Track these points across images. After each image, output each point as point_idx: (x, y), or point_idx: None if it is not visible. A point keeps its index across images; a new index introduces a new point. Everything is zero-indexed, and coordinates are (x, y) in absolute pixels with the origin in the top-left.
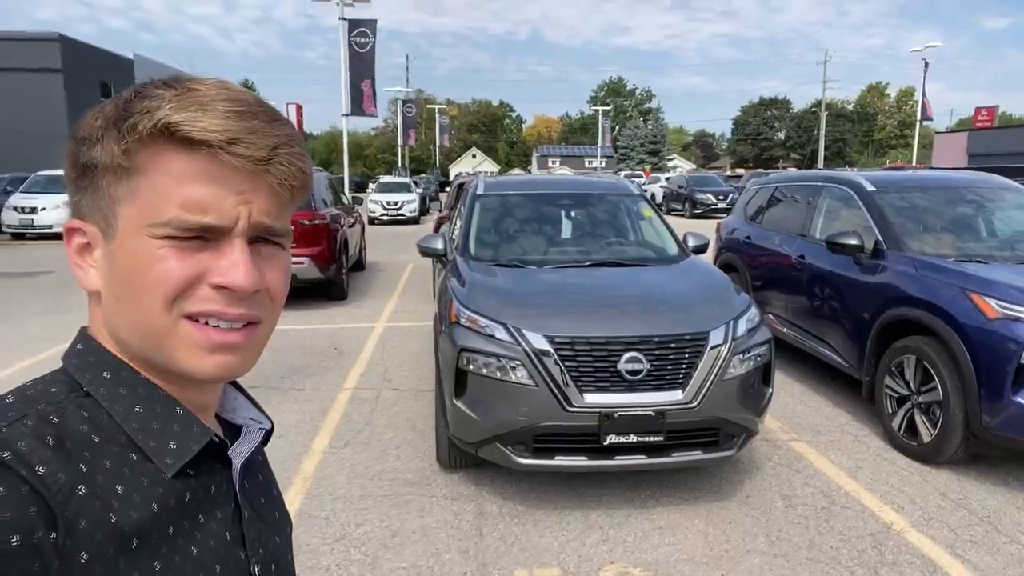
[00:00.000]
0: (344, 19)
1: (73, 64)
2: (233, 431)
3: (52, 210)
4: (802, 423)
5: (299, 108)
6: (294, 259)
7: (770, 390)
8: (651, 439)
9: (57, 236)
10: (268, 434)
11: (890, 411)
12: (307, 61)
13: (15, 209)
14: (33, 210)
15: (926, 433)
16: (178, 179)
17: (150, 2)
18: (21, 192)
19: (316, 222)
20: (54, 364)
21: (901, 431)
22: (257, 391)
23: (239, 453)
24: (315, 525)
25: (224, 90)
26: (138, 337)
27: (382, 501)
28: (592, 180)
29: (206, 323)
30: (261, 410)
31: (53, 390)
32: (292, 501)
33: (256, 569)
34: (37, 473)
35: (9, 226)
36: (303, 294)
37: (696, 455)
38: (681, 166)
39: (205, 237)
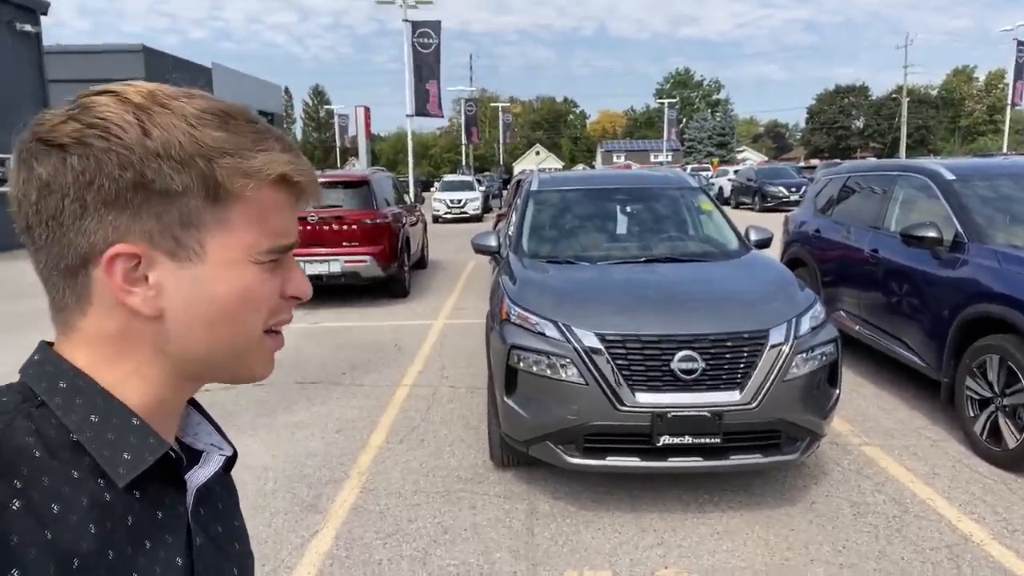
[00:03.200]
0: (408, 21)
1: (155, 73)
2: (194, 457)
3: None
4: (874, 426)
5: (367, 110)
6: (357, 257)
7: (837, 391)
8: (707, 441)
9: None
10: (230, 461)
11: (971, 414)
12: (376, 64)
13: None
14: None
15: (1011, 438)
16: (272, 210)
17: (230, 12)
18: None
19: (378, 221)
20: None
21: (984, 436)
22: (319, 386)
23: (196, 477)
24: (369, 519)
25: (271, 130)
26: (226, 354)
27: (435, 497)
28: (648, 174)
29: (277, 332)
30: (224, 436)
31: (4, 399)
32: (348, 495)
33: None
34: None
35: None
36: (366, 291)
37: (755, 458)
38: (751, 158)
39: (280, 256)
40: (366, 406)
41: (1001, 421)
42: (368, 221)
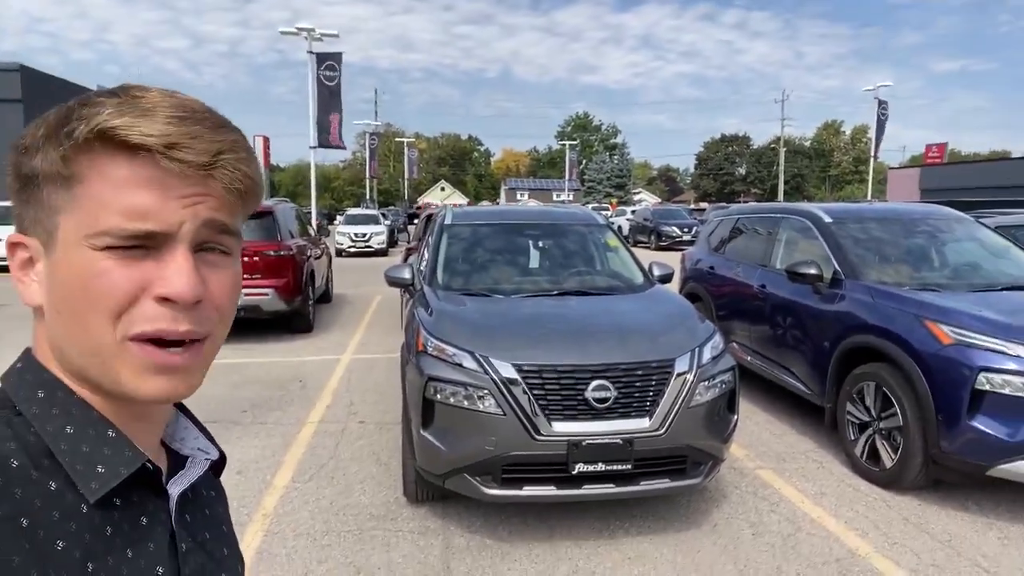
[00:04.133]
0: (312, 53)
1: (34, 94)
2: (181, 462)
3: None
4: (767, 451)
5: (266, 140)
6: (258, 290)
7: (735, 417)
8: (619, 467)
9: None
10: (217, 465)
11: (852, 437)
12: (275, 95)
13: None
14: None
15: (887, 459)
16: (118, 186)
17: (117, 35)
18: None
19: (281, 253)
20: None
21: (863, 457)
22: (217, 425)
23: (179, 483)
24: (276, 563)
25: (169, 97)
26: (80, 353)
27: (346, 537)
28: (559, 211)
29: (150, 342)
30: (211, 440)
31: None
32: (251, 539)
33: None
34: None
35: None
36: (267, 326)
37: (664, 483)
38: (646, 199)
39: (147, 246)
40: (270, 445)
41: (878, 443)
42: (271, 253)
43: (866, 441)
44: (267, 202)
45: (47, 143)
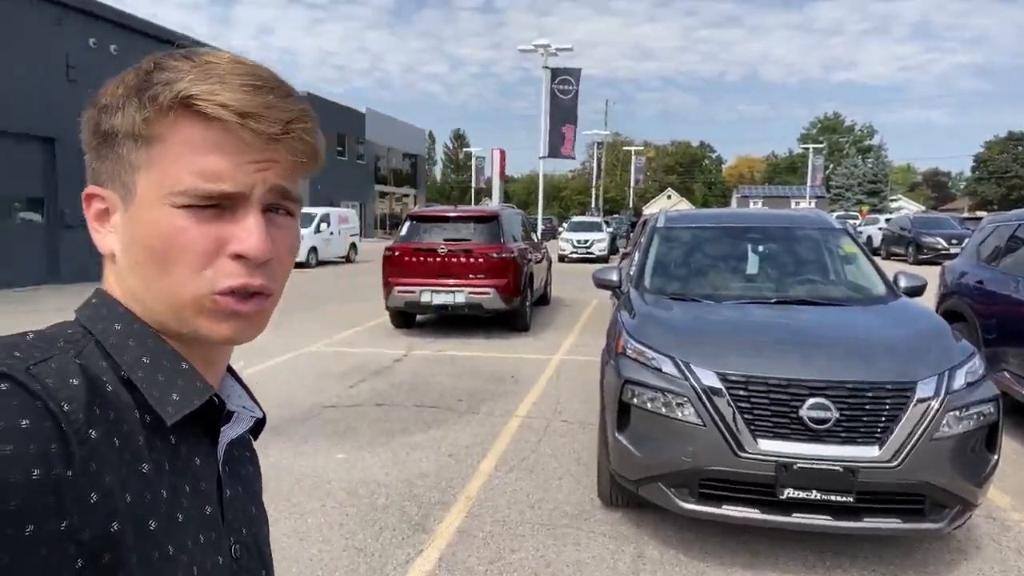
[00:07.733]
0: (547, 68)
1: (318, 118)
2: (227, 417)
3: None
4: None
5: (502, 153)
6: (481, 289)
7: (995, 457)
8: (838, 498)
9: None
10: (259, 424)
11: None
12: (516, 110)
13: None
14: None
15: None
16: (195, 149)
17: (390, 64)
18: None
19: (504, 255)
20: None
21: None
22: (436, 411)
23: (228, 433)
24: (473, 544)
25: (240, 64)
26: (160, 301)
27: (539, 530)
28: (785, 213)
29: (229, 294)
30: (255, 400)
31: (70, 331)
32: (454, 519)
33: (235, 548)
34: (63, 409)
35: None
36: (487, 323)
37: (894, 523)
38: (906, 207)
39: (221, 205)
40: (479, 433)
41: None
42: (494, 255)
43: None
44: (495, 207)
45: (127, 103)
